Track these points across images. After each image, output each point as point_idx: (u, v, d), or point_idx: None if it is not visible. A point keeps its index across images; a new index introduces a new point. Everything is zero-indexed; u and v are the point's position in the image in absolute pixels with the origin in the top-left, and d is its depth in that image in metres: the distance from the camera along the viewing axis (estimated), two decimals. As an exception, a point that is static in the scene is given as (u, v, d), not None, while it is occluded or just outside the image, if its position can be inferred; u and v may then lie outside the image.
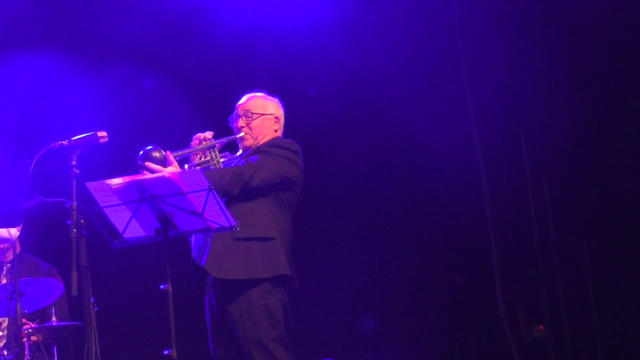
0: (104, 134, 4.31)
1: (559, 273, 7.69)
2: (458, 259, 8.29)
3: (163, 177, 4.02)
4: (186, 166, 4.63)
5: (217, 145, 4.80)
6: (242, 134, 4.85)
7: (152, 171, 4.39)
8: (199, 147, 4.77)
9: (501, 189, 8.07)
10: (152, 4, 7.67)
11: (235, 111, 4.92)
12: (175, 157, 4.56)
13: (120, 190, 4.06)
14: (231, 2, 7.80)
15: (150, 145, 4.49)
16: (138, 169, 4.47)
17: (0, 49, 7.51)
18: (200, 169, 4.58)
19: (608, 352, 7.57)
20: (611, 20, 7.42)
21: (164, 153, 4.48)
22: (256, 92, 4.98)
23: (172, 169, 4.43)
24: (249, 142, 4.85)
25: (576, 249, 7.72)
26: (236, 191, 4.52)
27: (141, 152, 4.49)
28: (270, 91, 5.05)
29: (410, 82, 8.06)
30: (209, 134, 4.79)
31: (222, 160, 4.78)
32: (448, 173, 8.07)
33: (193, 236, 4.65)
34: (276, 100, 4.99)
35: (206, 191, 4.02)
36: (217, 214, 4.10)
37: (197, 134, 4.81)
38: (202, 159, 4.78)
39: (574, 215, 7.77)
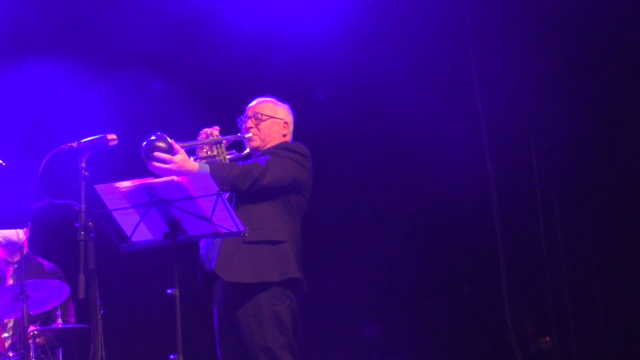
0: (114, 136, 4.30)
1: (566, 284, 7.66)
2: (466, 269, 8.26)
3: (172, 181, 4.02)
4: (191, 159, 4.56)
5: (224, 141, 4.79)
6: (250, 134, 4.84)
7: (161, 161, 4.36)
8: (206, 140, 4.75)
9: (510, 199, 8.04)
10: (160, 10, 7.66)
11: (245, 112, 4.93)
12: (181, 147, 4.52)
13: (129, 194, 4.05)
14: (239, 8, 7.79)
15: (153, 135, 4.44)
16: (145, 161, 4.43)
17: (8, 56, 7.52)
18: (207, 162, 4.56)
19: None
20: (630, 32, 7.39)
21: (169, 141, 4.42)
22: (267, 96, 4.99)
23: (180, 156, 4.39)
24: (257, 143, 4.85)
25: (584, 260, 7.70)
26: (245, 187, 4.50)
27: (144, 144, 4.42)
28: (278, 95, 5.06)
29: (419, 89, 8.04)
30: (215, 130, 4.79)
31: (228, 157, 4.77)
32: (457, 182, 8.05)
33: (202, 240, 4.64)
34: (286, 106, 5.00)
35: (215, 196, 4.01)
36: (225, 219, 4.09)
37: (204, 129, 4.80)
38: (209, 153, 4.76)
39: (583, 227, 7.74)
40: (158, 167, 4.37)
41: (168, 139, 4.43)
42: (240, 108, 4.99)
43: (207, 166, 4.47)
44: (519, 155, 7.90)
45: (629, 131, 7.56)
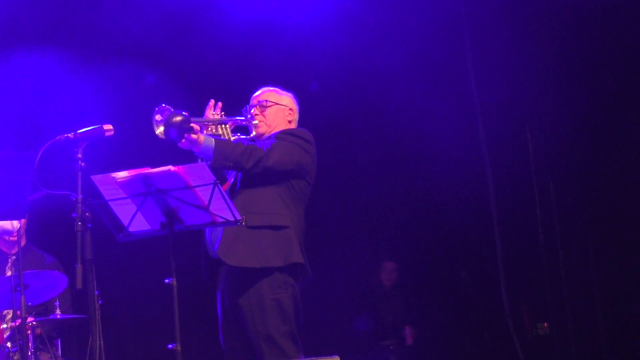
0: (110, 127, 4.31)
1: (563, 270, 7.68)
2: (463, 255, 8.29)
3: (169, 170, 4.02)
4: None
5: (229, 123, 4.79)
6: (257, 121, 4.85)
7: (191, 141, 4.37)
8: (212, 119, 4.75)
9: (507, 186, 8.07)
10: (153, 1, 7.64)
11: (250, 102, 4.93)
12: None
13: (125, 184, 4.06)
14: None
15: (169, 108, 4.46)
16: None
17: (1, 46, 7.50)
18: (212, 137, 4.54)
19: (612, 349, 7.56)
20: (619, 18, 7.41)
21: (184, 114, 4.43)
22: (270, 86, 5.01)
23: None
24: (262, 129, 4.85)
25: (581, 246, 7.72)
26: (249, 165, 4.49)
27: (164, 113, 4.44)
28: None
29: (416, 79, 8.05)
30: (218, 105, 4.79)
31: (233, 138, 4.77)
32: (454, 170, 8.06)
33: None
34: (291, 94, 5.02)
35: (212, 185, 4.02)
36: (222, 208, 4.10)
37: (209, 104, 4.81)
38: (214, 131, 4.74)
39: (579, 213, 7.76)
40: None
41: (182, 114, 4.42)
42: (234, 100, 4.98)
43: (213, 140, 4.46)
44: (516, 143, 7.92)
45: (624, 119, 7.58)
